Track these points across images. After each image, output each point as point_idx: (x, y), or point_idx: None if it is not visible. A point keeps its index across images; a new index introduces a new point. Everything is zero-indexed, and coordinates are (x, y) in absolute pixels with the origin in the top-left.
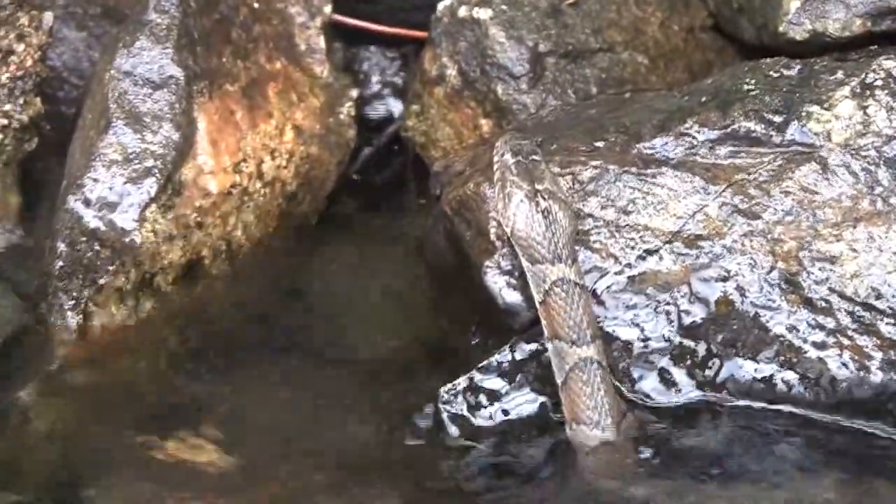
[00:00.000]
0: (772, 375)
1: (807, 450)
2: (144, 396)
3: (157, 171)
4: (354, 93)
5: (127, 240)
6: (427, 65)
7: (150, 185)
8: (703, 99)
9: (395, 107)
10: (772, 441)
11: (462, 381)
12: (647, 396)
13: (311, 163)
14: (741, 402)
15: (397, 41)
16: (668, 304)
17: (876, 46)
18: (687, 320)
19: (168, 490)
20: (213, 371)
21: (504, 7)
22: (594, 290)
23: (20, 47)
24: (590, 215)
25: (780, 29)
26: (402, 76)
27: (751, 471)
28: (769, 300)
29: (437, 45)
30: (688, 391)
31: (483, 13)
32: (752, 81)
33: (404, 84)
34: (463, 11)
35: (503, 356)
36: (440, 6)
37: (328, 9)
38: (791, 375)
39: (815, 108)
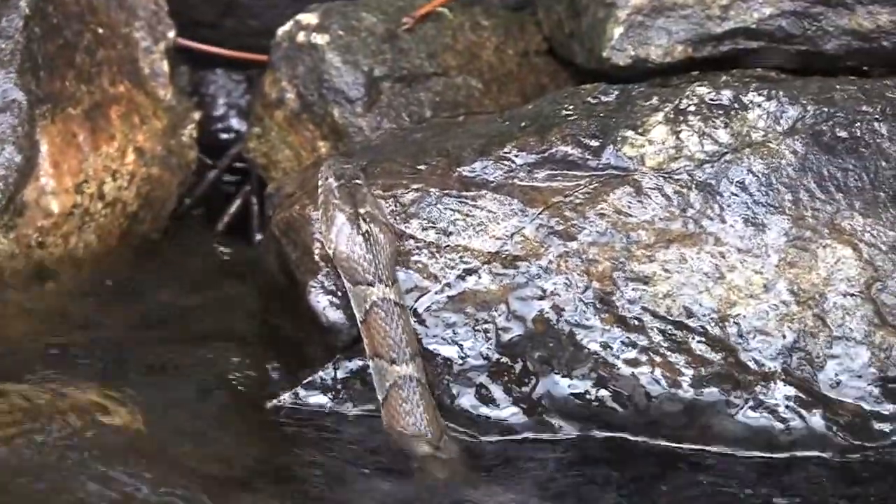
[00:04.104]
0: (586, 391)
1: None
2: None
3: None
4: (197, 115)
5: None
6: (267, 88)
7: None
8: (523, 124)
9: (242, 128)
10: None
11: (287, 398)
12: (466, 412)
13: (152, 183)
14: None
15: (242, 65)
16: (486, 322)
17: (697, 72)
18: (505, 338)
19: None
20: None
21: (341, 33)
22: (415, 310)
23: None
24: (411, 237)
25: (605, 54)
26: (248, 98)
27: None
28: (584, 319)
29: (276, 69)
30: (505, 406)
31: (320, 38)
32: (571, 106)
33: (249, 106)
34: (301, 37)
35: (326, 373)
36: (279, 31)
37: (172, 34)
38: (605, 392)
39: (629, 133)
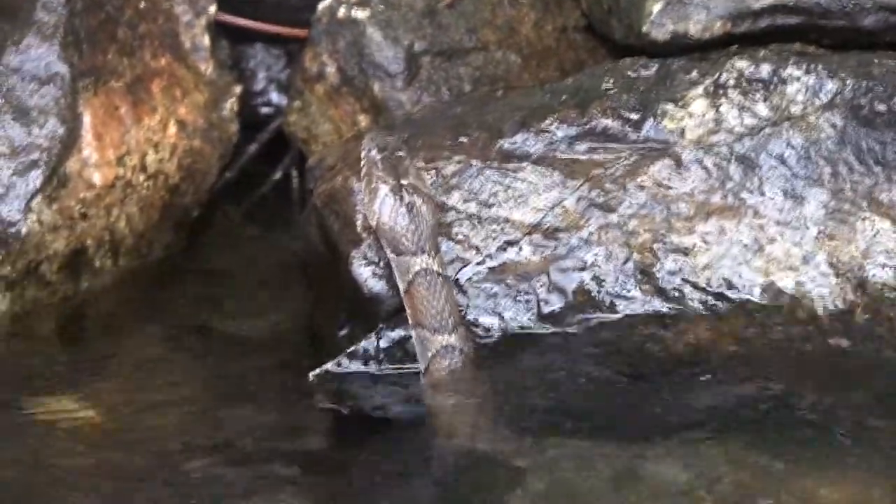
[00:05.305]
0: None
1: None
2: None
3: (42, 163)
4: (238, 89)
5: (13, 230)
6: (308, 63)
7: (36, 178)
8: (564, 97)
9: (281, 102)
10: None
11: (330, 367)
12: None
13: (193, 156)
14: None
15: (281, 39)
16: (527, 293)
17: (736, 47)
18: (546, 309)
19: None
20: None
21: (381, 7)
22: (456, 280)
23: None
24: (453, 208)
25: (644, 30)
26: (287, 73)
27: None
28: (624, 290)
29: (317, 43)
30: None
31: (361, 13)
32: (611, 80)
33: (289, 81)
34: (342, 12)
35: (369, 343)
36: (320, 6)
37: (213, 8)
38: None
39: (669, 107)
